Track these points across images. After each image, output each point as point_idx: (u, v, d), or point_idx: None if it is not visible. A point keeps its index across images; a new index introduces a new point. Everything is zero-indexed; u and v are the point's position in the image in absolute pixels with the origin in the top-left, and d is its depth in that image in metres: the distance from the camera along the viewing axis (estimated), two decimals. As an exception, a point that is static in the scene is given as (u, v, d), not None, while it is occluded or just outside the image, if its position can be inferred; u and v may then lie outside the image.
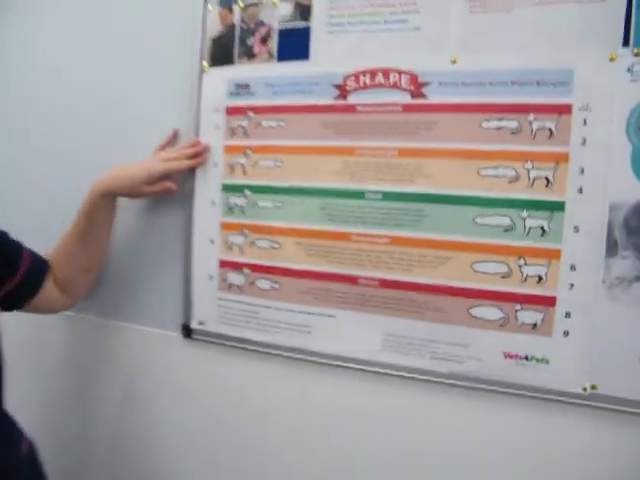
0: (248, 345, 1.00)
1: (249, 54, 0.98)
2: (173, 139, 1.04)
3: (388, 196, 0.88)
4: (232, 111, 0.99)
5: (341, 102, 0.91)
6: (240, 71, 0.98)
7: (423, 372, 0.87)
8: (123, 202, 1.06)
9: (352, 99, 0.90)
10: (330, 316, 0.93)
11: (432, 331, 0.86)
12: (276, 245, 0.96)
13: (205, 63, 1.01)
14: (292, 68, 0.94)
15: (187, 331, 1.05)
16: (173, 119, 1.04)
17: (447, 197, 0.84)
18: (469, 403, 0.85)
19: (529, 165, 0.79)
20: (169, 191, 1.01)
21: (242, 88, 0.98)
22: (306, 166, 0.93)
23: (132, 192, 1.01)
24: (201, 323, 1.04)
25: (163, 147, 1.05)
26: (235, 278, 1.00)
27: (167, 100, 1.06)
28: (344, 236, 0.91)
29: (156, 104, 1.07)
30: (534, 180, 0.79)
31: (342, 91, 0.91)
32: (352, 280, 0.91)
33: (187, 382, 1.07)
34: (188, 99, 1.02)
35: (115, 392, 1.14)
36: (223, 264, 1.01)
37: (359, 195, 0.90)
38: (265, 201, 0.97)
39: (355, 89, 0.90)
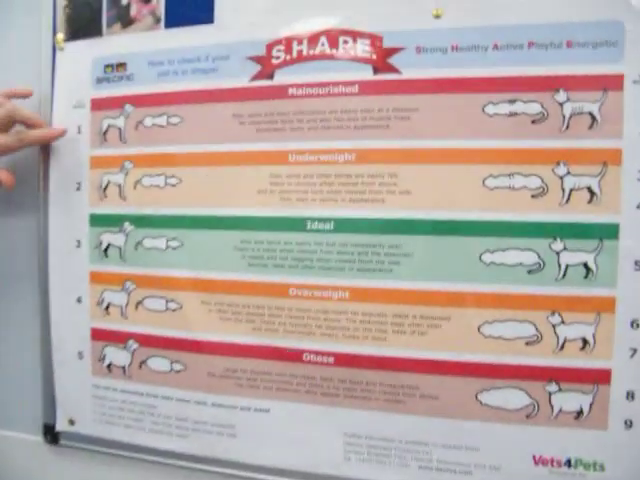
0: (141, 454, 0.73)
1: (124, 19, 0.71)
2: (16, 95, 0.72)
3: (343, 226, 0.63)
4: (101, 105, 0.72)
5: (264, 83, 0.65)
6: (111, 45, 0.72)
7: (408, 489, 0.63)
8: None
9: (281, 78, 0.65)
10: (262, 410, 0.67)
11: (421, 429, 0.62)
12: (174, 305, 0.69)
13: (59, 36, 0.74)
14: (188, 37, 0.68)
15: (51, 434, 0.77)
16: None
17: (437, 224, 0.60)
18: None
19: (562, 170, 0.57)
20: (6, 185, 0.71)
21: (115, 70, 0.71)
22: (214, 184, 0.67)
23: None
24: (71, 423, 0.76)
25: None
26: (117, 356, 0.72)
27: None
28: (277, 290, 0.65)
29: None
30: (570, 192, 0.57)
31: (265, 67, 0.65)
32: (293, 356, 0.65)
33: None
34: (36, 91, 0.73)
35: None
36: (97, 335, 0.73)
37: (297, 225, 0.64)
38: (154, 239, 0.70)
39: (285, 63, 0.64)
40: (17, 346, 0.80)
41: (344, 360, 0.63)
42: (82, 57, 0.73)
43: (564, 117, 0.57)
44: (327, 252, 0.63)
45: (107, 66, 0.71)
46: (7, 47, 0.77)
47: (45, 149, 0.73)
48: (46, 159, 0.73)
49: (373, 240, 0.61)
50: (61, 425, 0.76)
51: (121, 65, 0.71)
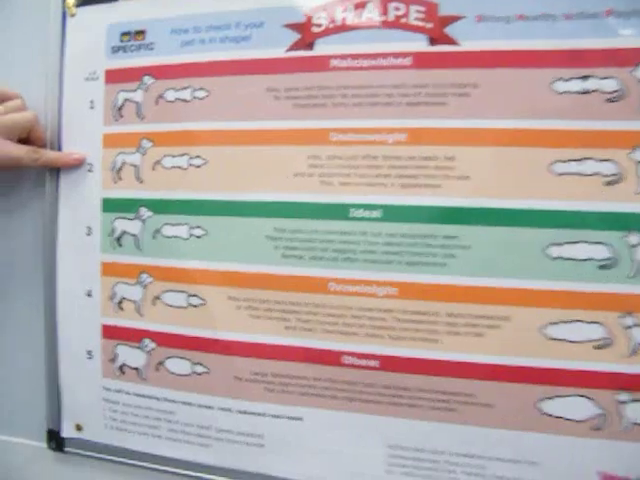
0: (156, 464, 0.67)
1: (143, -19, 0.64)
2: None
3: (392, 214, 0.57)
4: (117, 77, 0.66)
5: (303, 54, 0.59)
6: (129, 10, 0.65)
7: (457, 508, 0.57)
8: None
9: (322, 48, 0.58)
10: (294, 418, 0.61)
11: (474, 440, 0.56)
12: (197, 301, 0.63)
13: (70, 0, 0.67)
14: (217, 1, 0.62)
15: (56, 441, 0.71)
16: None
17: (498, 213, 0.54)
18: None
19: (639, 155, 0.51)
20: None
21: (133, 38, 0.65)
22: (244, 165, 0.61)
23: None
24: (78, 428, 0.70)
25: None
26: (131, 356, 0.66)
27: (9, 64, 0.71)
28: (315, 284, 0.59)
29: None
30: (650, 179, 0.51)
31: (305, 35, 0.58)
32: (332, 359, 0.59)
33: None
34: (43, 61, 0.68)
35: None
36: (109, 332, 0.67)
37: (339, 213, 0.58)
38: (175, 226, 0.63)
39: (327, 32, 0.58)
40: (20, 344, 0.74)
41: (390, 364, 0.57)
42: (95, 24, 0.66)
43: (645, 95, 0.50)
44: (373, 243, 0.57)
45: (124, 34, 0.65)
46: (10, 12, 0.70)
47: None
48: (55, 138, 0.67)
49: (425, 230, 0.55)
50: (67, 431, 0.70)
51: (140, 33, 0.64)
